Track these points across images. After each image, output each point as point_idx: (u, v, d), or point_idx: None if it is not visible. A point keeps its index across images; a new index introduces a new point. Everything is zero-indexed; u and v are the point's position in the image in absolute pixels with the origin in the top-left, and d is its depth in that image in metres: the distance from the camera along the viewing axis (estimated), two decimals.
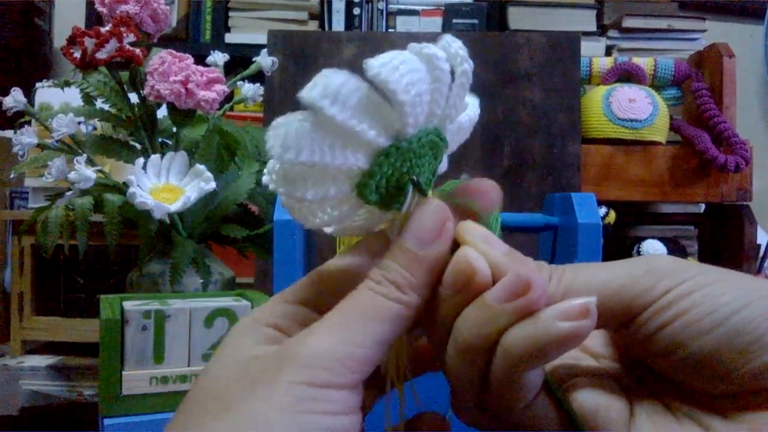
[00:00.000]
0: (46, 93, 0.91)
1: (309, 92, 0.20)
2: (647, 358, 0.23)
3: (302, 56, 0.99)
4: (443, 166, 0.25)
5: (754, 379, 0.20)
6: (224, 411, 0.19)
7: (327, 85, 0.20)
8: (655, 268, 0.22)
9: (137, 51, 0.61)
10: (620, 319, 0.22)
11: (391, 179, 0.22)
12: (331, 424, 0.19)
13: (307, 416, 0.18)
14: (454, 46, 0.22)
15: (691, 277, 0.22)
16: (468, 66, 0.22)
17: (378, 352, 0.20)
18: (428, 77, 0.21)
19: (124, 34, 0.60)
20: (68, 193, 0.62)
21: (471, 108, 0.25)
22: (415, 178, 0.22)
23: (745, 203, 1.06)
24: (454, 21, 1.47)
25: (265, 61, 0.73)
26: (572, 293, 0.22)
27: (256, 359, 0.20)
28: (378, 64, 0.20)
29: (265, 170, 0.23)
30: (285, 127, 0.20)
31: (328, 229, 0.24)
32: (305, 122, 0.20)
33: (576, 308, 0.21)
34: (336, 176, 0.22)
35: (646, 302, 0.22)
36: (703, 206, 1.17)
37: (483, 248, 0.22)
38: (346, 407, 0.19)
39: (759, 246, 1.11)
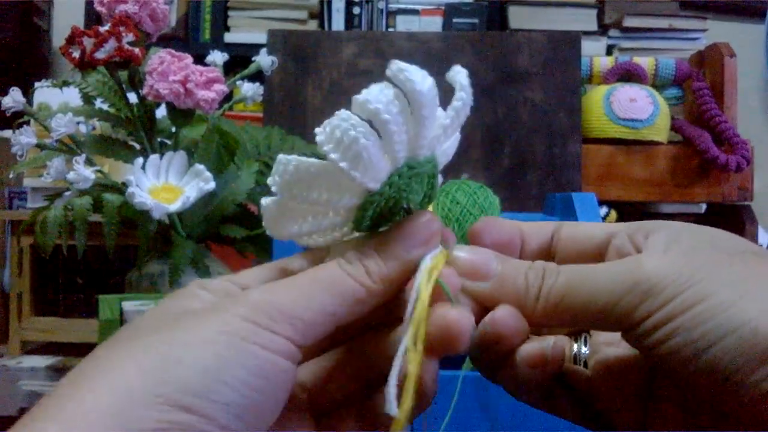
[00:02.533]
0: (45, 93, 0.91)
1: (271, 181, 0.22)
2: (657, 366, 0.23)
3: (302, 56, 0.99)
4: (453, 149, 0.26)
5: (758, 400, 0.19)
6: (165, 332, 0.20)
7: (283, 173, 0.22)
8: (640, 282, 0.21)
9: (136, 51, 0.61)
10: (616, 330, 0.23)
11: (383, 214, 0.23)
12: (269, 358, 0.20)
13: (248, 344, 0.20)
14: (401, 76, 0.21)
15: (678, 293, 0.20)
16: (420, 95, 0.21)
17: (325, 322, 0.21)
18: (375, 134, 0.21)
19: (123, 34, 0.60)
20: (67, 193, 0.62)
21: (461, 94, 0.24)
22: (405, 205, 0.23)
23: (746, 203, 1.06)
24: (455, 20, 1.47)
25: (264, 60, 0.73)
26: (556, 316, 0.23)
27: (201, 307, 0.22)
28: (324, 139, 0.21)
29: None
30: (263, 209, 0.23)
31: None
32: (273, 205, 0.23)
33: (536, 358, 0.23)
34: (333, 229, 0.24)
35: (631, 324, 0.21)
36: (704, 206, 1.16)
37: (469, 287, 0.24)
38: (283, 351, 0.20)
39: (760, 246, 1.11)
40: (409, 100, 0.22)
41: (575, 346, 0.26)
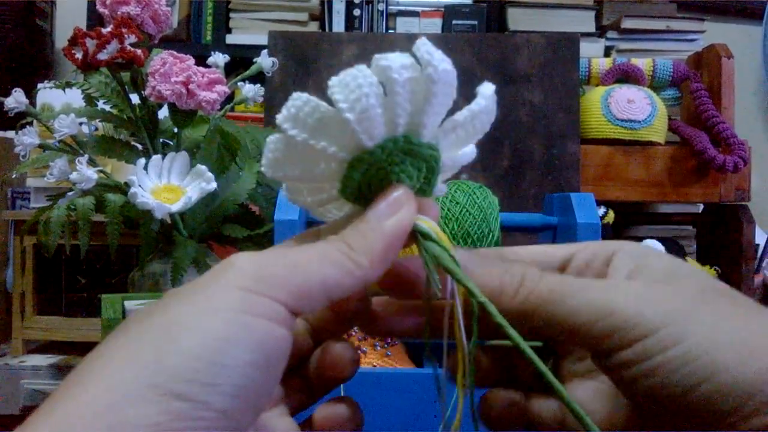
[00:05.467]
0: (48, 94, 0.92)
1: (278, 116, 0.22)
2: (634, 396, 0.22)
3: (303, 57, 1.00)
4: (465, 160, 0.26)
5: None
6: (155, 319, 0.20)
7: (289, 108, 0.22)
8: (613, 312, 0.21)
9: (138, 52, 0.61)
10: (588, 351, 0.23)
11: (372, 183, 0.23)
12: (265, 327, 0.19)
13: (242, 316, 0.19)
14: (422, 49, 0.22)
15: (651, 332, 0.20)
16: (433, 70, 0.22)
17: (318, 291, 0.21)
18: (380, 90, 0.22)
19: (126, 35, 0.61)
20: (70, 194, 0.62)
21: (479, 99, 0.25)
22: (395, 182, 0.23)
23: (743, 203, 1.06)
24: (454, 22, 1.47)
25: (265, 61, 0.74)
26: (530, 321, 0.22)
27: (187, 286, 0.21)
28: (335, 82, 0.22)
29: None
30: (267, 147, 0.23)
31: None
32: (275, 143, 0.23)
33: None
34: (322, 185, 0.24)
35: (603, 351, 0.21)
36: (701, 206, 1.17)
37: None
38: (279, 317, 0.20)
39: (757, 246, 1.11)
40: (424, 75, 0.22)
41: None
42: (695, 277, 0.22)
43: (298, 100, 0.22)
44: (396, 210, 0.23)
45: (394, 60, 0.22)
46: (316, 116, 0.22)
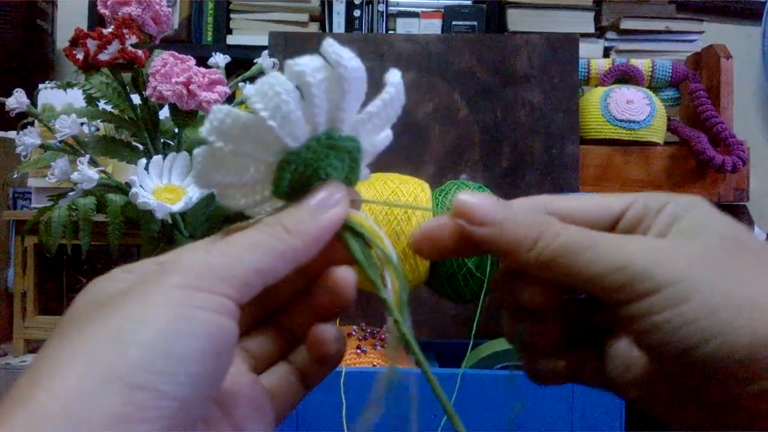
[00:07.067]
0: (49, 94, 0.92)
1: (204, 130, 0.23)
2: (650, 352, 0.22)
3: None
4: (383, 144, 0.28)
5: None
6: (105, 316, 0.20)
7: (212, 120, 0.23)
8: (624, 266, 0.21)
9: (139, 53, 0.62)
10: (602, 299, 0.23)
11: (301, 181, 0.24)
12: (211, 318, 0.20)
13: (188, 309, 0.20)
14: (330, 50, 0.23)
15: (661, 287, 0.21)
16: (344, 69, 0.23)
17: (256, 279, 0.22)
18: (298, 94, 0.23)
19: (127, 36, 0.61)
20: (71, 194, 0.63)
21: (388, 89, 0.26)
22: (323, 176, 0.25)
23: (742, 203, 1.06)
24: (454, 23, 1.48)
25: (266, 62, 0.74)
26: (545, 273, 0.23)
27: (133, 284, 0.22)
28: (252, 92, 0.23)
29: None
30: (194, 160, 0.24)
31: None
32: (203, 155, 0.24)
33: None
34: (254, 188, 0.25)
35: (613, 302, 0.22)
36: None
37: (467, 229, 0.25)
38: (224, 310, 0.21)
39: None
40: (335, 74, 0.24)
41: None
42: (722, 230, 0.22)
43: (219, 112, 0.23)
44: (332, 205, 0.24)
45: (307, 64, 0.23)
46: (239, 126, 0.23)
